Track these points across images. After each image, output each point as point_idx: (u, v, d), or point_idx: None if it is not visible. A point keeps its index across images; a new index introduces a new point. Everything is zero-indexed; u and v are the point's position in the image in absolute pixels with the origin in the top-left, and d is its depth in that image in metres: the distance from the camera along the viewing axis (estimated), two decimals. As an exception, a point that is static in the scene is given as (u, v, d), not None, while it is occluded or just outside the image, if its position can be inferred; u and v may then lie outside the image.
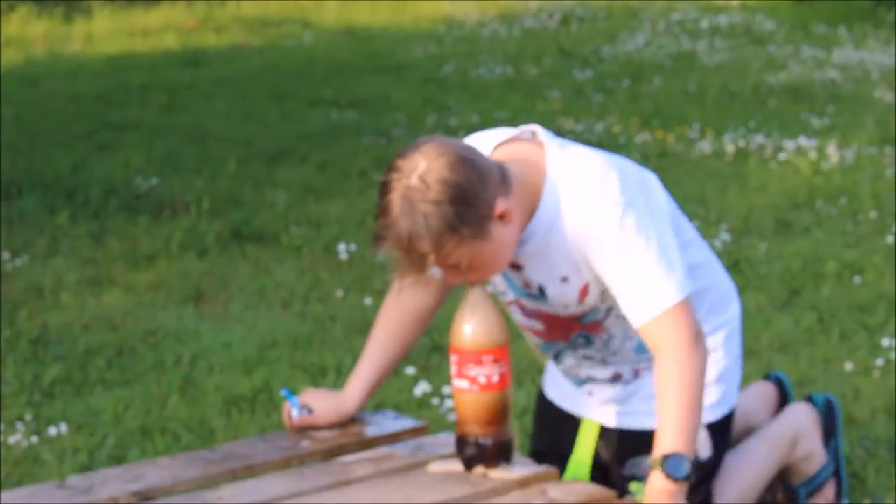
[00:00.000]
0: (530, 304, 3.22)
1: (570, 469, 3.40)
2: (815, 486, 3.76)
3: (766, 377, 4.01)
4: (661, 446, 2.90)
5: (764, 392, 3.93)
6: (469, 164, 2.86)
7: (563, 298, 3.14)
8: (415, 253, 2.84)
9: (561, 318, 3.21)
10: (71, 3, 16.54)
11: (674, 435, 2.90)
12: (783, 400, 3.97)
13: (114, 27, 15.69)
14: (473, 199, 2.84)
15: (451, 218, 2.81)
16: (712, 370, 3.33)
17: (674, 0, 16.69)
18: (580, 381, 3.41)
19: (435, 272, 2.95)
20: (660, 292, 2.95)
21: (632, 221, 2.96)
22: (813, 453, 3.74)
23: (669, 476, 2.87)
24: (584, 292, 3.10)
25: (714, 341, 3.35)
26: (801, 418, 3.76)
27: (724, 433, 3.43)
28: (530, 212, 3.01)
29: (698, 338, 2.97)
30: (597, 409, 3.41)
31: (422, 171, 2.82)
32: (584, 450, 3.42)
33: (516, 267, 3.12)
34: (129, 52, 13.95)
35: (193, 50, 13.95)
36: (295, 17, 16.19)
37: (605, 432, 3.41)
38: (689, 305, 2.98)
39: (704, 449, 3.36)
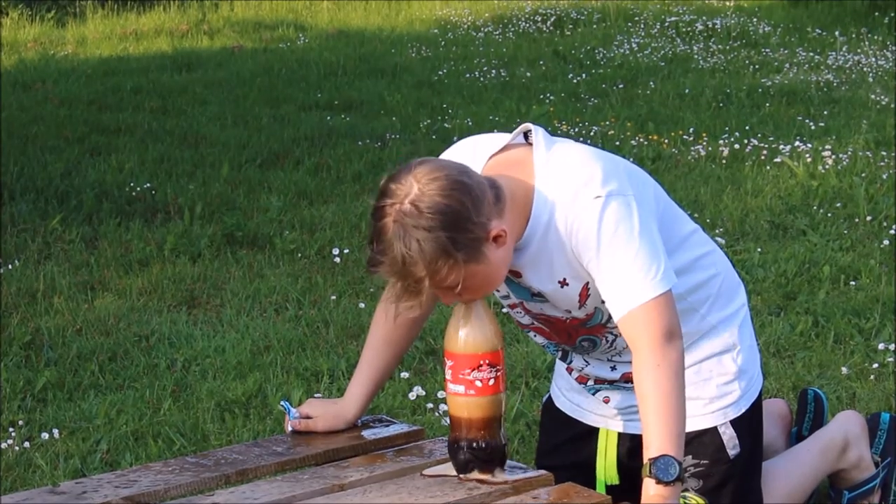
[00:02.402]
0: (535, 308, 3.21)
1: (599, 481, 3.40)
2: (860, 491, 3.78)
3: (804, 392, 4.03)
4: (648, 451, 2.90)
5: (771, 409, 3.93)
6: (462, 187, 2.84)
7: (564, 303, 3.13)
8: (410, 278, 2.83)
9: (564, 322, 3.20)
10: (63, 6, 16.53)
11: (658, 438, 2.89)
12: (801, 416, 4.00)
13: (106, 31, 15.70)
14: (467, 223, 2.83)
15: (445, 243, 2.80)
16: (731, 367, 3.35)
17: (669, 1, 16.71)
18: (594, 390, 3.40)
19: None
20: (636, 287, 2.94)
21: (613, 214, 2.95)
22: (862, 460, 3.79)
23: (660, 480, 2.86)
24: (584, 294, 3.09)
25: (729, 336, 3.36)
26: (852, 425, 3.80)
27: (751, 425, 3.42)
28: (524, 221, 3.00)
29: (671, 336, 2.95)
30: (614, 417, 3.41)
31: (414, 196, 2.81)
32: (605, 457, 3.42)
33: (515, 274, 3.11)
34: (122, 56, 13.95)
35: (186, 53, 13.95)
36: (288, 20, 16.19)
37: (623, 438, 3.40)
38: (666, 301, 2.96)
39: (732, 446, 3.36)
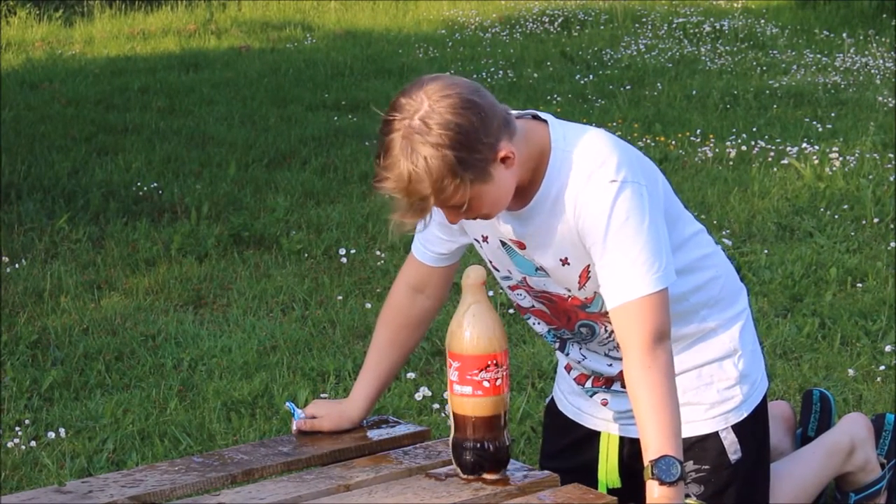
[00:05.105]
0: (537, 285, 3.20)
1: (601, 484, 3.40)
2: (867, 493, 3.79)
3: (809, 393, 4.04)
4: (647, 454, 2.89)
5: (773, 412, 3.93)
6: (473, 106, 2.81)
7: (564, 281, 3.11)
8: (415, 196, 2.81)
9: (566, 301, 3.19)
10: (70, 5, 16.55)
11: (656, 439, 2.88)
12: (806, 417, 4.01)
13: (114, 30, 15.71)
14: (476, 142, 2.80)
15: (452, 162, 2.78)
16: (732, 371, 3.33)
17: (677, 2, 16.70)
18: (591, 392, 3.40)
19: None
20: (635, 280, 2.92)
21: (626, 202, 2.93)
22: (868, 462, 3.79)
23: (663, 481, 2.85)
24: (584, 275, 3.07)
25: (730, 341, 3.34)
26: (858, 428, 3.80)
27: (754, 430, 3.42)
28: (532, 171, 2.98)
29: (661, 337, 2.94)
30: (613, 420, 3.40)
31: (424, 112, 2.78)
32: (607, 462, 3.41)
33: (519, 245, 3.10)
34: (129, 56, 13.97)
35: (193, 53, 13.97)
36: (295, 20, 16.20)
37: (623, 442, 3.39)
38: (662, 299, 2.95)
39: (733, 451, 3.35)
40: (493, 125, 2.84)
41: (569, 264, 3.07)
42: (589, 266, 3.05)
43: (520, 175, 2.96)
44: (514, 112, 3.08)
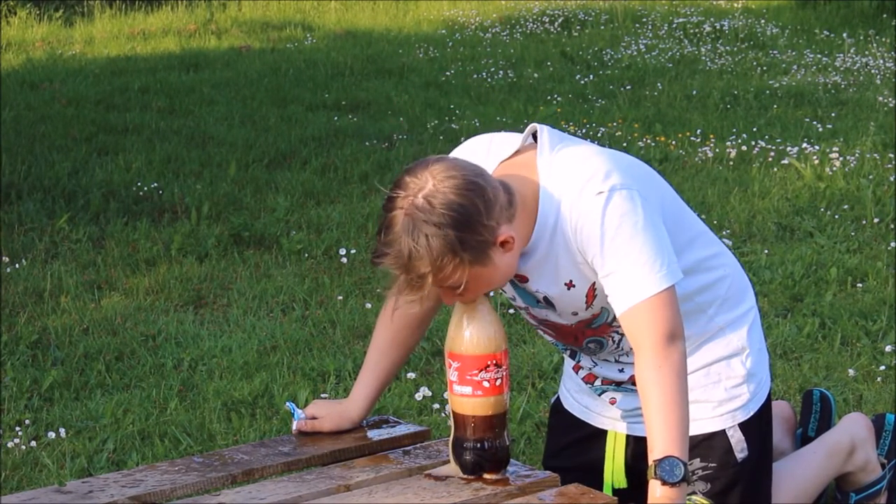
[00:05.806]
0: (540, 314, 3.21)
1: (607, 483, 3.40)
2: (867, 493, 3.79)
3: (809, 393, 4.03)
4: (653, 453, 2.90)
5: (774, 411, 3.93)
6: (476, 189, 2.84)
7: (571, 305, 3.13)
8: (413, 273, 2.83)
9: (570, 326, 3.20)
10: (71, 5, 16.54)
11: (662, 440, 2.89)
12: (806, 417, 4.01)
13: (114, 30, 15.71)
14: (477, 225, 2.83)
15: (453, 242, 2.80)
16: (740, 370, 3.34)
17: (677, 2, 16.70)
18: (600, 390, 3.40)
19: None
20: (640, 282, 2.94)
21: (616, 208, 2.95)
22: (869, 462, 3.79)
23: (665, 481, 2.86)
24: (590, 294, 3.09)
25: (738, 339, 3.35)
26: (858, 428, 3.80)
27: (760, 428, 3.42)
28: (532, 224, 3.00)
29: (673, 336, 2.95)
30: (621, 419, 3.41)
31: (428, 191, 2.81)
32: (613, 461, 3.42)
33: (521, 279, 3.11)
34: (130, 56, 13.96)
35: (194, 53, 13.96)
36: (295, 21, 16.20)
37: (630, 441, 3.39)
38: (670, 297, 2.96)
39: (740, 449, 3.36)
40: (496, 209, 2.87)
41: (574, 286, 3.09)
42: (594, 283, 3.07)
43: (522, 245, 2.99)
44: (517, 139, 3.10)
